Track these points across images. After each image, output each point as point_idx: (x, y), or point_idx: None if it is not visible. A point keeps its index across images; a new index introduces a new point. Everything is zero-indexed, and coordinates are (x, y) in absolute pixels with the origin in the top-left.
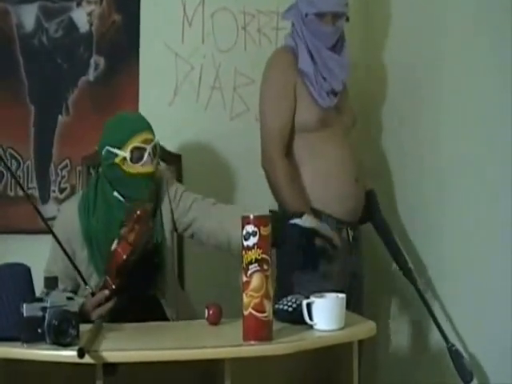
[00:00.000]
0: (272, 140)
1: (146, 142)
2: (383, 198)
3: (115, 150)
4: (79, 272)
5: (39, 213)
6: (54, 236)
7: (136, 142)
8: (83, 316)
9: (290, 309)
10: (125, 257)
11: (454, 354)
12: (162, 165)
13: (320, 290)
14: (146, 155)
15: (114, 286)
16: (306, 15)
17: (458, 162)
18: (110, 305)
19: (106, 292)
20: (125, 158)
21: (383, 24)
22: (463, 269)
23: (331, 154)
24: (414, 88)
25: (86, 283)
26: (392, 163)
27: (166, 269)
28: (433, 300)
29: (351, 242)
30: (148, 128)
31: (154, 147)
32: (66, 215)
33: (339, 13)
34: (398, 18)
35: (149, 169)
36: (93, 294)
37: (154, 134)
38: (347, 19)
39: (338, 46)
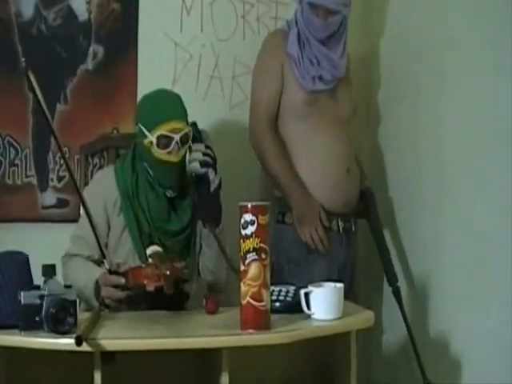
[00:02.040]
0: (258, 114)
1: (175, 130)
2: (381, 196)
3: (145, 132)
4: (100, 247)
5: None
6: (83, 203)
7: (164, 130)
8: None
9: (289, 298)
10: (151, 289)
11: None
12: None
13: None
14: (173, 143)
15: (129, 288)
16: (301, 1)
17: (458, 160)
18: (120, 294)
19: (122, 281)
20: (152, 142)
21: (383, 18)
22: (462, 268)
23: (322, 144)
24: (414, 86)
25: (104, 258)
26: (390, 161)
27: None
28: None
29: (341, 233)
30: (179, 117)
31: (184, 135)
32: (103, 181)
33: (331, 9)
34: (399, 13)
35: (174, 158)
36: (110, 271)
37: (186, 122)
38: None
39: (330, 42)
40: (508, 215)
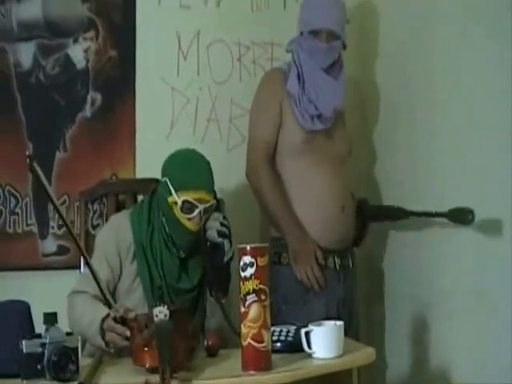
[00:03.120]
0: (257, 150)
1: (201, 201)
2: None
3: (172, 190)
4: (102, 292)
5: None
6: (83, 254)
7: (191, 197)
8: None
9: (290, 338)
10: (146, 366)
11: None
12: None
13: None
14: (196, 211)
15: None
16: (302, 34)
17: (453, 168)
18: (123, 344)
19: (127, 333)
20: (176, 203)
21: (376, 44)
22: (461, 269)
23: (317, 181)
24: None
25: (109, 307)
26: (386, 170)
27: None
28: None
29: (338, 270)
30: (209, 189)
31: (209, 207)
32: (117, 225)
33: (333, 32)
34: (390, 15)
35: (193, 226)
36: (115, 320)
37: (212, 195)
38: (344, 47)
39: (334, 70)
40: (508, 217)
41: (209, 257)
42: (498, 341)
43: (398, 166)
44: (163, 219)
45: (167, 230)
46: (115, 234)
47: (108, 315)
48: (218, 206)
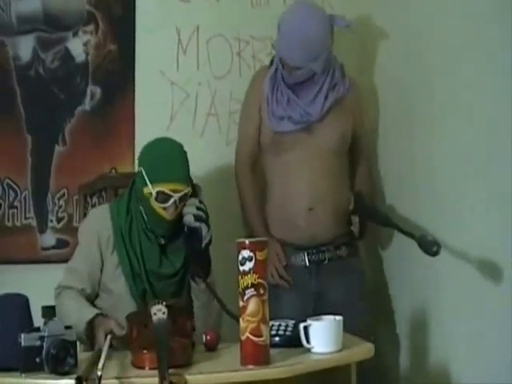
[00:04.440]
0: (240, 149)
1: (175, 191)
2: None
3: (147, 181)
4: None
5: None
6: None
7: (165, 188)
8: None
9: (288, 332)
10: (146, 368)
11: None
12: None
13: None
14: (170, 201)
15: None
16: (273, 46)
17: (453, 178)
18: (122, 333)
19: (122, 333)
20: (151, 194)
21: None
22: (461, 272)
23: (284, 181)
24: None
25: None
26: (387, 181)
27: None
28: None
29: (309, 266)
30: (183, 179)
31: (184, 196)
32: (97, 217)
33: (301, 67)
34: (389, 21)
35: (168, 216)
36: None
37: (187, 184)
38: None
39: (299, 88)
40: (508, 218)
41: (187, 242)
42: (499, 341)
43: (398, 165)
44: (141, 208)
45: (145, 218)
46: (95, 227)
47: (95, 316)
48: (195, 191)
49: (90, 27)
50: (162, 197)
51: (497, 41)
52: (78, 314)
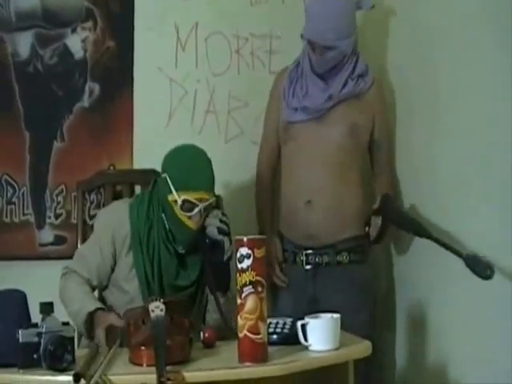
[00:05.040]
0: (261, 152)
1: (201, 200)
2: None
3: (172, 188)
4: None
5: None
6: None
7: (191, 197)
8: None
9: (286, 330)
10: (144, 365)
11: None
12: None
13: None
14: (195, 210)
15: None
16: (302, 36)
17: (455, 179)
18: (121, 324)
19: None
20: (176, 202)
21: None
22: (461, 296)
23: (287, 172)
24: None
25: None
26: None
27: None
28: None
29: (308, 269)
30: (209, 188)
31: (209, 205)
32: (116, 213)
33: (328, 46)
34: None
35: (193, 225)
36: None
37: (213, 193)
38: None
39: (329, 75)
40: (508, 217)
41: (208, 254)
42: (499, 340)
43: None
44: (163, 215)
45: (167, 226)
46: (112, 223)
47: (96, 310)
48: (217, 203)
49: (89, 24)
50: (188, 205)
51: (499, 40)
52: (80, 303)
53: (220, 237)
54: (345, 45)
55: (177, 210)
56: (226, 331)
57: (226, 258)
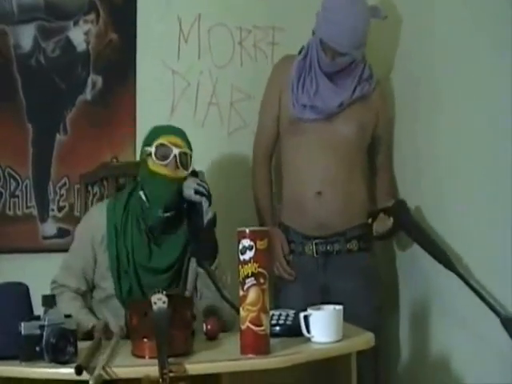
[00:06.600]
0: (258, 141)
1: (175, 144)
2: None
3: (145, 148)
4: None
5: None
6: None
7: (163, 140)
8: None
9: (289, 322)
10: (146, 357)
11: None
12: None
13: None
14: (171, 156)
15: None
16: (313, 33)
17: (455, 171)
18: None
19: (120, 334)
20: (150, 154)
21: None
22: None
23: (296, 163)
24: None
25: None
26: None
27: None
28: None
29: (317, 257)
30: (181, 134)
31: (184, 155)
32: (94, 216)
33: (347, 53)
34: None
35: (170, 172)
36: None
37: (187, 146)
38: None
39: (338, 77)
40: (508, 217)
41: (188, 219)
42: (499, 340)
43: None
44: (140, 193)
45: (143, 197)
46: (90, 228)
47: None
48: (196, 174)
49: (91, 16)
50: (162, 150)
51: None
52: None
53: (197, 197)
54: (357, 53)
55: (152, 164)
56: (224, 311)
57: (206, 220)
